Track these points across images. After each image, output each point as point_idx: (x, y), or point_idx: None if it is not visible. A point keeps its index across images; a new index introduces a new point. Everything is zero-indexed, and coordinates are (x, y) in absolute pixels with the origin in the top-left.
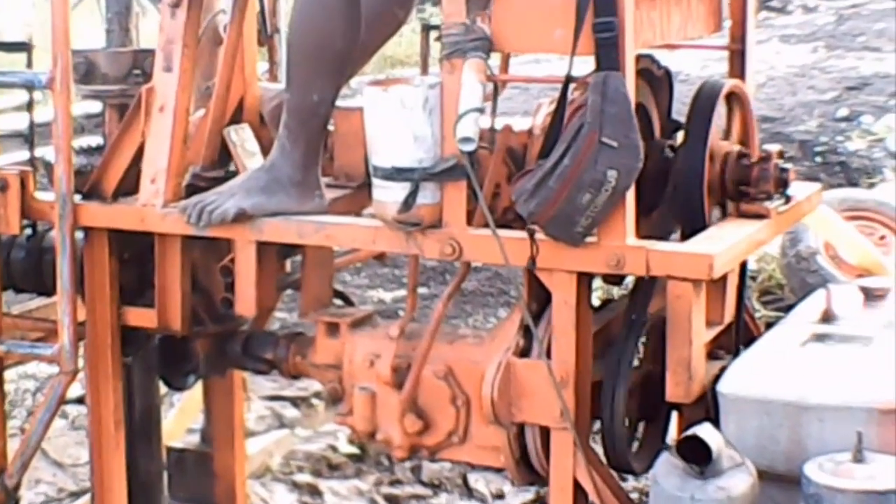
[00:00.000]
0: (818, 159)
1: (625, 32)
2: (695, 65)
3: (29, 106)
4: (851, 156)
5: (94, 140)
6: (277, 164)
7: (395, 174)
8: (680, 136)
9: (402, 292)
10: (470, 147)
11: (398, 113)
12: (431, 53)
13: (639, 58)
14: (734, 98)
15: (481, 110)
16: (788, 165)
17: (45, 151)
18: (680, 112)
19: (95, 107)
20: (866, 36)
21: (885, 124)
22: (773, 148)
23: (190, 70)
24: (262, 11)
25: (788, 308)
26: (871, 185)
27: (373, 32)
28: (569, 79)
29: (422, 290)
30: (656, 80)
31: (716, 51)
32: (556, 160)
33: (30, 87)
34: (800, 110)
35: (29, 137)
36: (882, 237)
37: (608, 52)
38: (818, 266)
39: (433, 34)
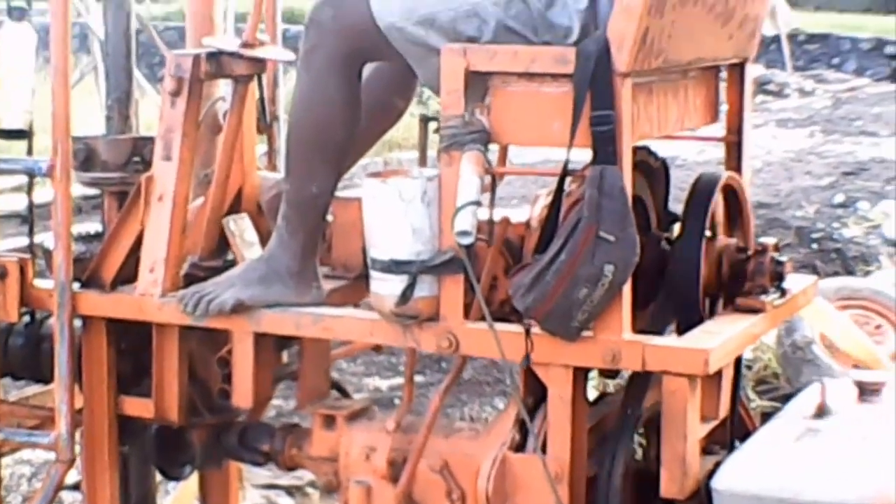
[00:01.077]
0: (814, 246)
1: (622, 126)
2: (691, 150)
3: (28, 190)
4: (848, 243)
5: (93, 227)
6: (275, 255)
7: (394, 267)
8: (676, 227)
9: (399, 380)
10: (467, 240)
11: (397, 205)
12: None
13: (636, 150)
14: (730, 190)
15: (479, 203)
16: (784, 258)
17: (43, 237)
18: (677, 198)
19: (93, 189)
20: (863, 120)
21: (882, 210)
22: (770, 241)
23: (189, 159)
24: (261, 99)
25: (784, 398)
26: (867, 273)
27: (373, 122)
28: (565, 172)
29: (418, 378)
30: (653, 171)
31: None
32: (552, 255)
33: (30, 174)
34: (796, 196)
35: (28, 221)
36: (878, 326)
37: (605, 146)
38: (814, 356)
39: (432, 125)
